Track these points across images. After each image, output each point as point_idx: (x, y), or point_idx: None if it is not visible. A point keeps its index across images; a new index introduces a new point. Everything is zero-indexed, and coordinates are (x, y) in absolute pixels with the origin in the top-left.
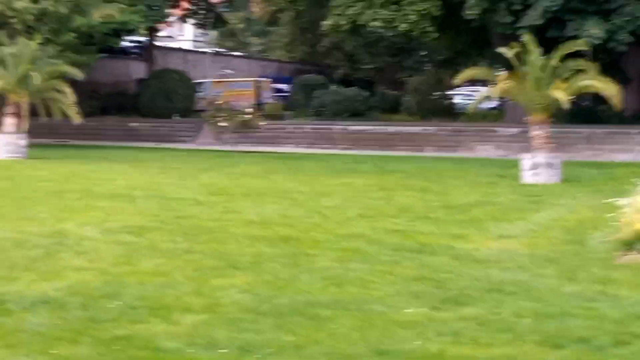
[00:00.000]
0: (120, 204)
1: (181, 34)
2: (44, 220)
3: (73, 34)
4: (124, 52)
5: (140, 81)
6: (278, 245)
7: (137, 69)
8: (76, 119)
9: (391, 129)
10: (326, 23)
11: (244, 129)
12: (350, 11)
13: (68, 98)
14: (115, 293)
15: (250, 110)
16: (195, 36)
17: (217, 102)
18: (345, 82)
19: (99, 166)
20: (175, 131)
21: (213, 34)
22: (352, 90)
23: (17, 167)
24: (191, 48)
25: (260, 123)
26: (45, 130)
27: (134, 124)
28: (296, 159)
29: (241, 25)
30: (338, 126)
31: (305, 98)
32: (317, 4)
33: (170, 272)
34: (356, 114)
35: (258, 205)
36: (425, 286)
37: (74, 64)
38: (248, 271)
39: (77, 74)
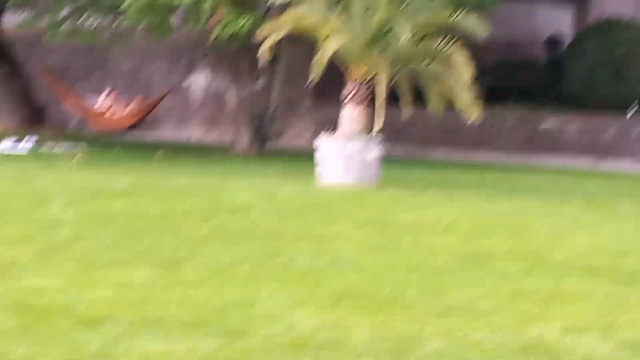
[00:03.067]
0: (609, 289)
1: None
2: (493, 317)
3: None
4: None
5: (555, 44)
6: None
7: (551, 20)
8: (472, 114)
9: None
10: None
11: None
12: None
13: (461, 74)
14: None
15: None
16: None
17: None
18: None
19: (519, 204)
20: (628, 138)
21: None
22: None
23: (368, 200)
24: None
25: None
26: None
27: (548, 123)
28: None
29: None
30: None
31: None
32: None
33: None
34: None
35: None
36: None
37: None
38: None
39: (479, 29)
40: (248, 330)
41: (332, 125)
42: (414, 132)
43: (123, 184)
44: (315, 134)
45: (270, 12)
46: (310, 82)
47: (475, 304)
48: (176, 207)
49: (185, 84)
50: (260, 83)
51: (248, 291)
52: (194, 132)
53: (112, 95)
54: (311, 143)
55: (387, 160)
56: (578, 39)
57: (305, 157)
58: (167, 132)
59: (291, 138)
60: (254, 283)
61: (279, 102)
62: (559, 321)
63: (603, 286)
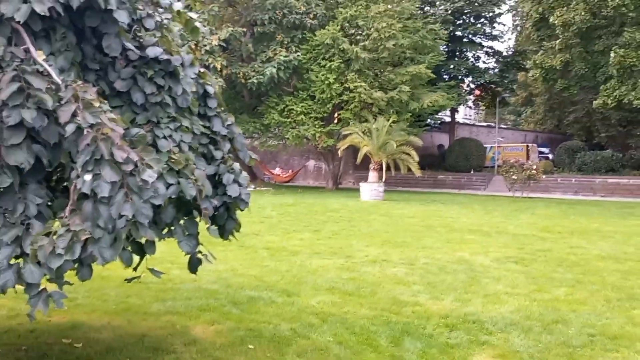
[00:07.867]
0: (482, 238)
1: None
2: (441, 249)
3: (410, 114)
4: (428, 126)
5: (439, 146)
6: None
7: (437, 138)
8: (418, 172)
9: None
10: (596, 102)
11: (527, 180)
12: (616, 92)
13: (413, 158)
14: (562, 319)
15: (535, 166)
16: (465, 114)
17: (511, 161)
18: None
19: (437, 207)
20: (471, 182)
21: (481, 111)
22: (608, 152)
23: (381, 206)
24: (467, 122)
25: (542, 177)
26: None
27: (442, 176)
28: (575, 204)
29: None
30: (598, 179)
31: (569, 158)
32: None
33: (586, 301)
34: (611, 170)
35: (590, 242)
36: None
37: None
38: None
39: (419, 141)
40: (352, 255)
41: (363, 179)
42: (395, 181)
43: (290, 201)
44: (356, 182)
45: (341, 136)
46: (356, 162)
47: (434, 244)
48: (311, 209)
49: (305, 164)
50: (337, 164)
51: (348, 241)
52: (310, 182)
53: (281, 169)
54: (354, 185)
55: (387, 191)
56: (450, 146)
57: (353, 190)
58: (299, 182)
59: (345, 184)
60: (350, 238)
61: (341, 170)
62: (465, 251)
63: (481, 236)
